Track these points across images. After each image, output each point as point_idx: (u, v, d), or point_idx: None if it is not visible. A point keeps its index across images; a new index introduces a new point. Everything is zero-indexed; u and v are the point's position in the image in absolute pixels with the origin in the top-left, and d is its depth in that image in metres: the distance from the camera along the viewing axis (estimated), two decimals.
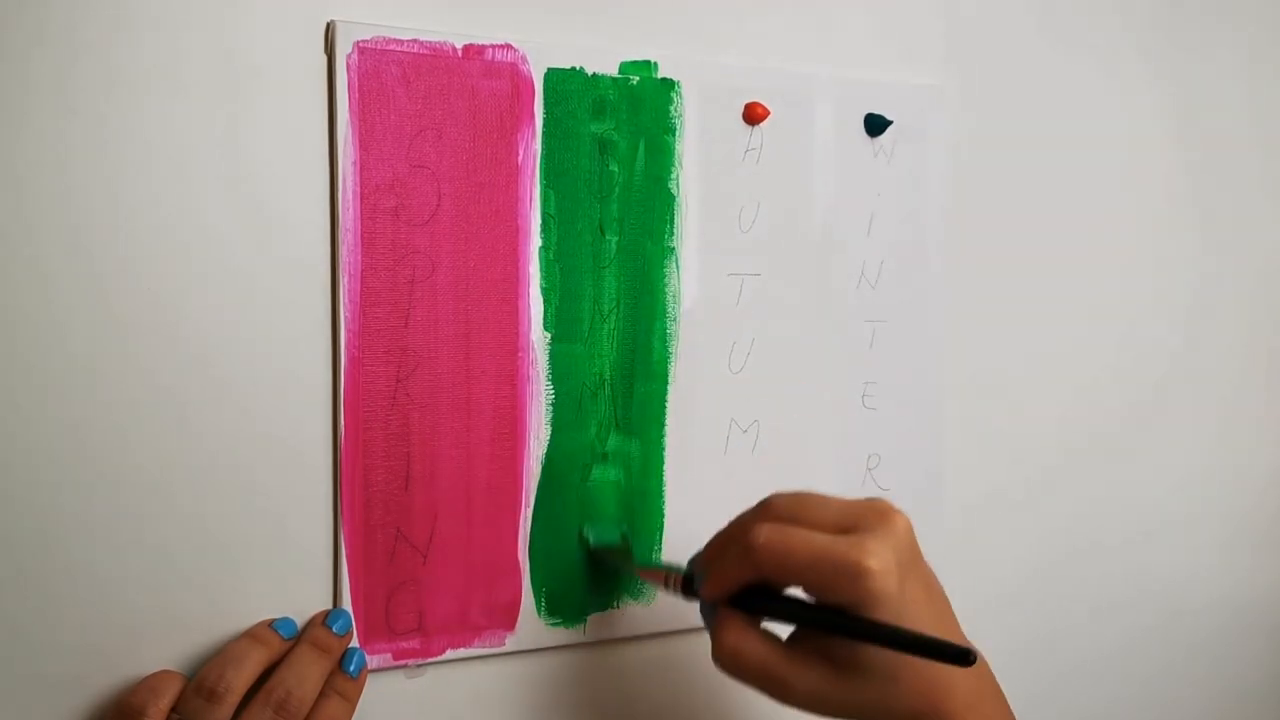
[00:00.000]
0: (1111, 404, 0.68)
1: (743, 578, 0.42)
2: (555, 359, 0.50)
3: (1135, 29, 0.67)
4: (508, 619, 0.50)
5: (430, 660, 0.49)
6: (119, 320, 0.43)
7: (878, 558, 0.38)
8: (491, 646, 0.50)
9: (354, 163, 0.46)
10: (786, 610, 0.41)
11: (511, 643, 0.50)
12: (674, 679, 0.55)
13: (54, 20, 0.41)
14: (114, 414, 0.43)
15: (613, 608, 0.52)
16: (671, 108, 0.52)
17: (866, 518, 0.41)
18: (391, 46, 0.46)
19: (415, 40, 0.46)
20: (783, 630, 0.43)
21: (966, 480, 0.62)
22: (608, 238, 0.51)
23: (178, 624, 0.44)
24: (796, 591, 0.41)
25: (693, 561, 0.46)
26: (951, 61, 0.61)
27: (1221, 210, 0.72)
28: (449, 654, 0.49)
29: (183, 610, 0.44)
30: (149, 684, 0.42)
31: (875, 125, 0.57)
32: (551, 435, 0.50)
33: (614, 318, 0.52)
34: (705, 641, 0.55)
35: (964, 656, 0.36)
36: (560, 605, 0.51)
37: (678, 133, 0.52)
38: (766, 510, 0.43)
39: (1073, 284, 0.66)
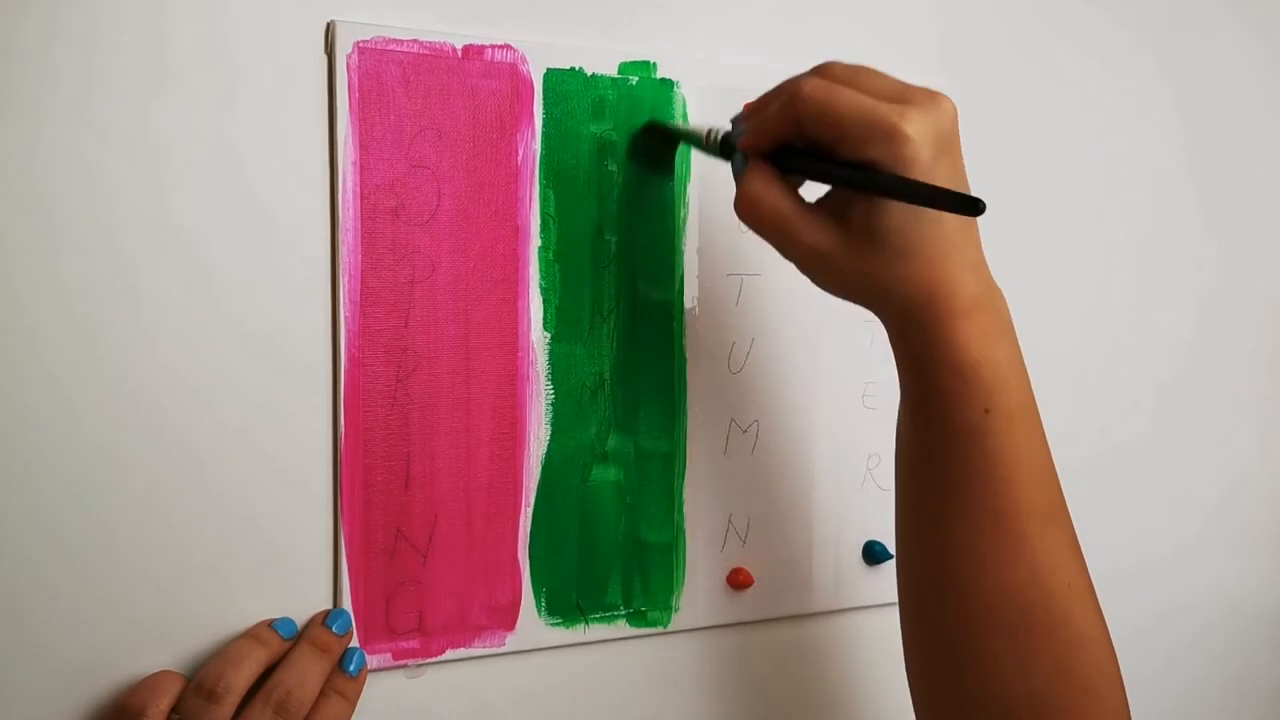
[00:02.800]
0: (1114, 404, 0.68)
1: (783, 128, 0.42)
2: (555, 359, 0.50)
3: (1136, 28, 0.67)
4: (508, 619, 0.50)
5: (430, 660, 0.49)
6: (119, 320, 0.43)
7: (916, 126, 0.39)
8: (491, 646, 0.50)
9: (354, 163, 0.46)
10: (813, 167, 0.41)
11: (511, 643, 0.50)
12: (675, 679, 0.55)
13: (53, 21, 0.41)
14: (114, 414, 0.43)
15: (617, 614, 0.52)
16: (671, 108, 0.52)
17: (915, 95, 0.41)
18: (391, 47, 0.46)
19: (415, 40, 0.47)
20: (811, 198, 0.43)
21: None
22: (607, 238, 0.51)
23: (178, 624, 0.44)
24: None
25: (734, 118, 0.45)
26: (951, 61, 0.61)
27: (1226, 209, 0.72)
28: (449, 654, 0.49)
29: (183, 610, 0.44)
30: (149, 684, 0.42)
31: None
32: (551, 435, 0.50)
33: (614, 318, 0.52)
34: (707, 642, 0.55)
35: (973, 205, 0.36)
36: (560, 605, 0.51)
37: None
38: (821, 69, 0.42)
39: (1073, 284, 0.66)
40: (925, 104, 0.40)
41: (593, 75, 0.50)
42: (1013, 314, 0.64)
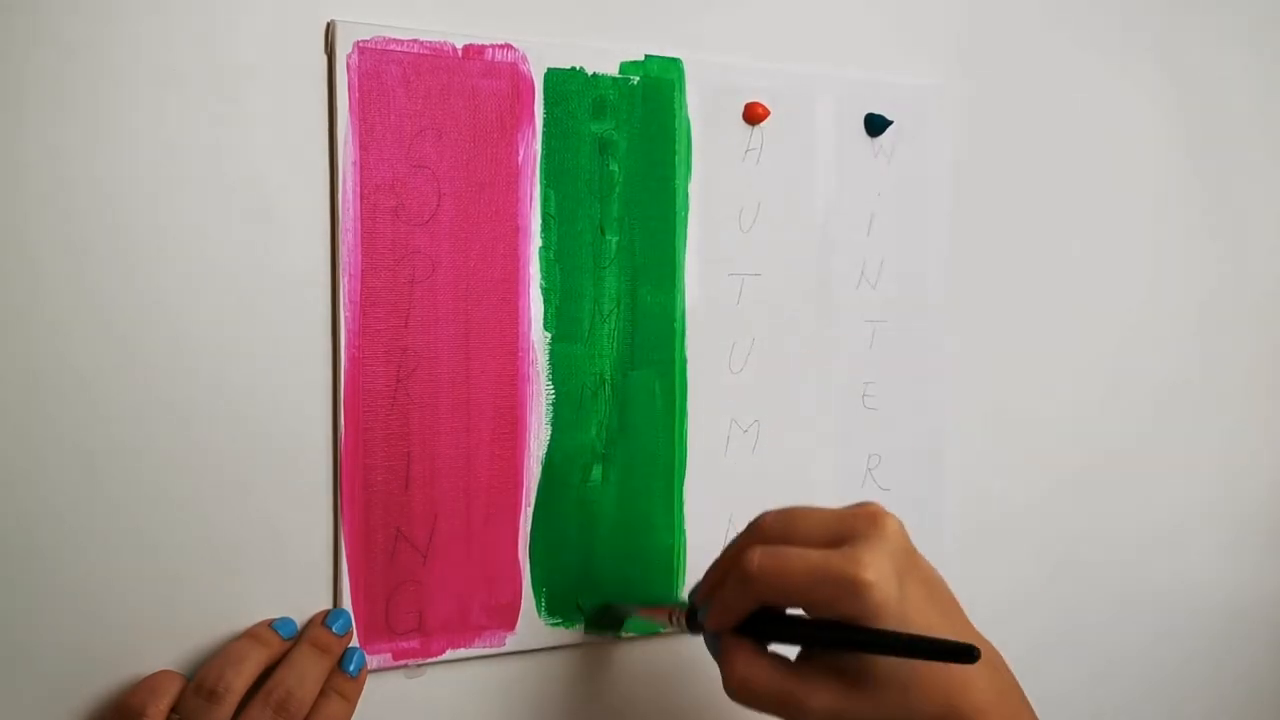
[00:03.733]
0: (1114, 404, 0.68)
1: (744, 607, 0.41)
2: (555, 359, 0.50)
3: (1138, 27, 0.67)
4: (508, 619, 0.50)
5: (430, 660, 0.49)
6: (119, 321, 0.43)
7: (873, 568, 0.38)
8: (491, 646, 0.50)
9: (354, 163, 0.46)
10: (790, 631, 0.41)
11: (511, 643, 0.50)
12: (674, 679, 0.55)
13: (50, 21, 0.41)
14: (114, 415, 0.43)
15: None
16: (672, 107, 0.52)
17: (856, 526, 0.40)
18: (391, 46, 0.46)
19: (415, 40, 0.46)
20: (791, 649, 0.42)
21: (967, 480, 0.62)
22: (608, 238, 0.51)
23: (178, 624, 0.44)
24: (799, 610, 0.41)
25: (692, 594, 0.46)
26: (951, 61, 0.61)
27: (1228, 209, 0.72)
28: (449, 654, 0.49)
29: (183, 610, 0.44)
30: (149, 684, 0.42)
31: (875, 125, 0.57)
32: (551, 435, 0.50)
33: (614, 318, 0.52)
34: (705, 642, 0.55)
35: (965, 653, 0.36)
36: (560, 605, 0.51)
37: (678, 133, 0.52)
38: (757, 532, 0.43)
39: (1074, 283, 0.66)
40: (871, 536, 0.39)
41: (593, 75, 0.50)
42: (1013, 310, 0.64)
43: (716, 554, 0.54)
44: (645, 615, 0.50)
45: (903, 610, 0.39)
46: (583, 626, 0.51)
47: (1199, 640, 0.73)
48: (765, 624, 0.42)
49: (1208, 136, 0.70)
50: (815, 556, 0.39)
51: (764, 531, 0.42)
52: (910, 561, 0.41)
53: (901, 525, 0.41)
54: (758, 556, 0.40)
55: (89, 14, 0.42)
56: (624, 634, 0.52)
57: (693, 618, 0.45)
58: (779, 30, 0.56)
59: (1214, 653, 0.74)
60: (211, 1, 0.44)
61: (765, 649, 0.42)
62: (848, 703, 0.40)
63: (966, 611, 0.43)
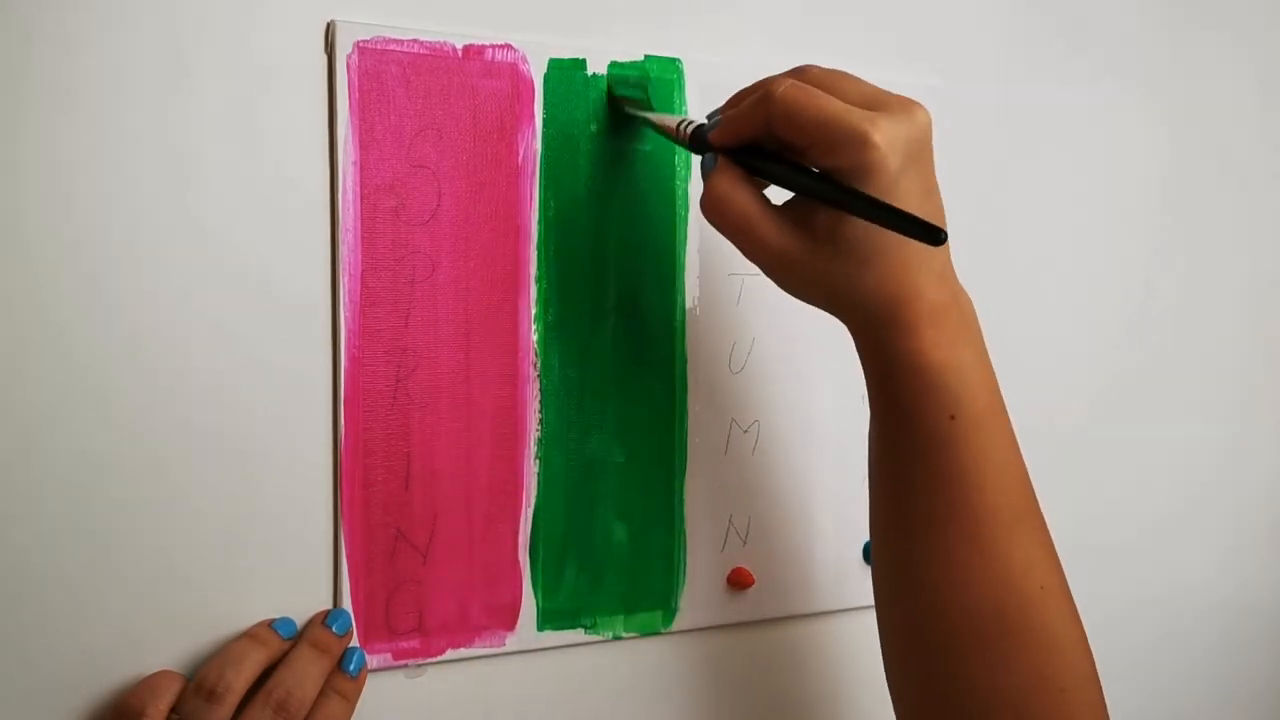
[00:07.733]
0: (1112, 404, 0.68)
1: (754, 126, 0.41)
2: (555, 359, 0.50)
3: (1134, 31, 0.67)
4: (508, 619, 0.50)
5: (430, 660, 0.49)
6: (118, 320, 0.43)
7: (886, 135, 0.38)
8: (491, 646, 0.50)
9: (354, 163, 0.46)
10: (778, 172, 0.41)
11: (511, 643, 0.50)
12: (675, 679, 0.55)
13: (51, 19, 0.41)
14: (114, 414, 0.43)
15: (616, 615, 0.52)
16: (671, 107, 0.52)
17: (890, 103, 0.40)
18: (391, 46, 0.46)
19: (415, 40, 0.46)
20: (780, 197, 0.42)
21: None
22: (608, 238, 0.51)
23: (178, 624, 0.44)
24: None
25: (710, 115, 0.45)
26: (950, 62, 0.61)
27: (1221, 210, 0.72)
28: (449, 654, 0.49)
29: (183, 610, 0.44)
30: (149, 684, 0.42)
31: None
32: (551, 435, 0.50)
33: (614, 318, 0.52)
34: (707, 642, 0.55)
35: (934, 233, 0.35)
36: (561, 605, 0.51)
37: None
38: (800, 72, 0.42)
39: (1072, 284, 0.66)
40: (898, 112, 0.39)
41: (594, 75, 0.50)
42: (1010, 311, 0.64)
43: (716, 554, 0.55)
44: (655, 121, 0.48)
45: (893, 186, 0.39)
46: (609, 103, 0.50)
47: (1198, 641, 0.73)
48: (762, 160, 0.42)
49: (1206, 137, 0.70)
50: (839, 105, 0.39)
51: (805, 73, 0.42)
52: (922, 154, 0.41)
53: (930, 122, 0.40)
54: (787, 85, 0.40)
55: (88, 13, 0.42)
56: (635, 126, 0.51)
57: (700, 134, 0.44)
58: (779, 30, 0.56)
59: (1210, 654, 0.74)
60: (212, 2, 0.44)
61: (753, 181, 0.42)
62: (802, 253, 0.41)
63: None
